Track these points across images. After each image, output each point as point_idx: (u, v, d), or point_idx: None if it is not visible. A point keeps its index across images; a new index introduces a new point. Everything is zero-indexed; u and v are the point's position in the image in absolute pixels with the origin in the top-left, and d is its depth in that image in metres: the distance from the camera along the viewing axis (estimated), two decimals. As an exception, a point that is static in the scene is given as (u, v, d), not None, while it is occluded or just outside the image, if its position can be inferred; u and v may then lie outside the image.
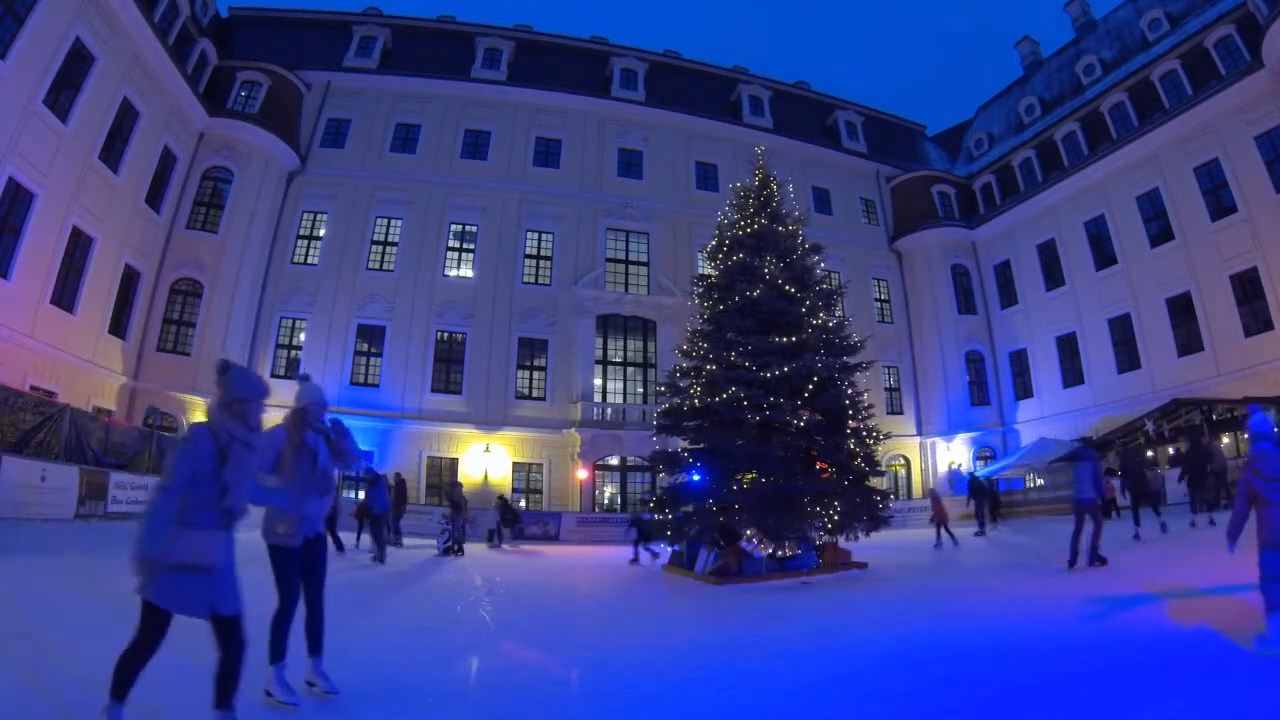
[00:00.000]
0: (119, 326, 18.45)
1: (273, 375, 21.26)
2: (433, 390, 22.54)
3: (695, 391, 11.35)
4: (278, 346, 22.15)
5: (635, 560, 12.90)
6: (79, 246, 16.71)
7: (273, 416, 3.65)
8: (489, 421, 22.45)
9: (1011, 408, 26.33)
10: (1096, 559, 8.21)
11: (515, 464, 22.60)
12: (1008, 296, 27.21)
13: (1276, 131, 18.69)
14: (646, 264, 25.45)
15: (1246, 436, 4.71)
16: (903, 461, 26.88)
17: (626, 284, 25.08)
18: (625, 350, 24.58)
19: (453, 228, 24.19)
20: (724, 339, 11.18)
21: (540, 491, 22.71)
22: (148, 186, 19.04)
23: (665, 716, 3.65)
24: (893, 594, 8.21)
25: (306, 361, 21.69)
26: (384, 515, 12.09)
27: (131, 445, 14.74)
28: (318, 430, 3.71)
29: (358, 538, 13.58)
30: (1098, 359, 23.41)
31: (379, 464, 19.77)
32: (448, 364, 22.94)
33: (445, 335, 23.15)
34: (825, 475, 10.71)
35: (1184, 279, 20.84)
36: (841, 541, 10.98)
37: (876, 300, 28.29)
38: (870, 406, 11.74)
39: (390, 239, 23.67)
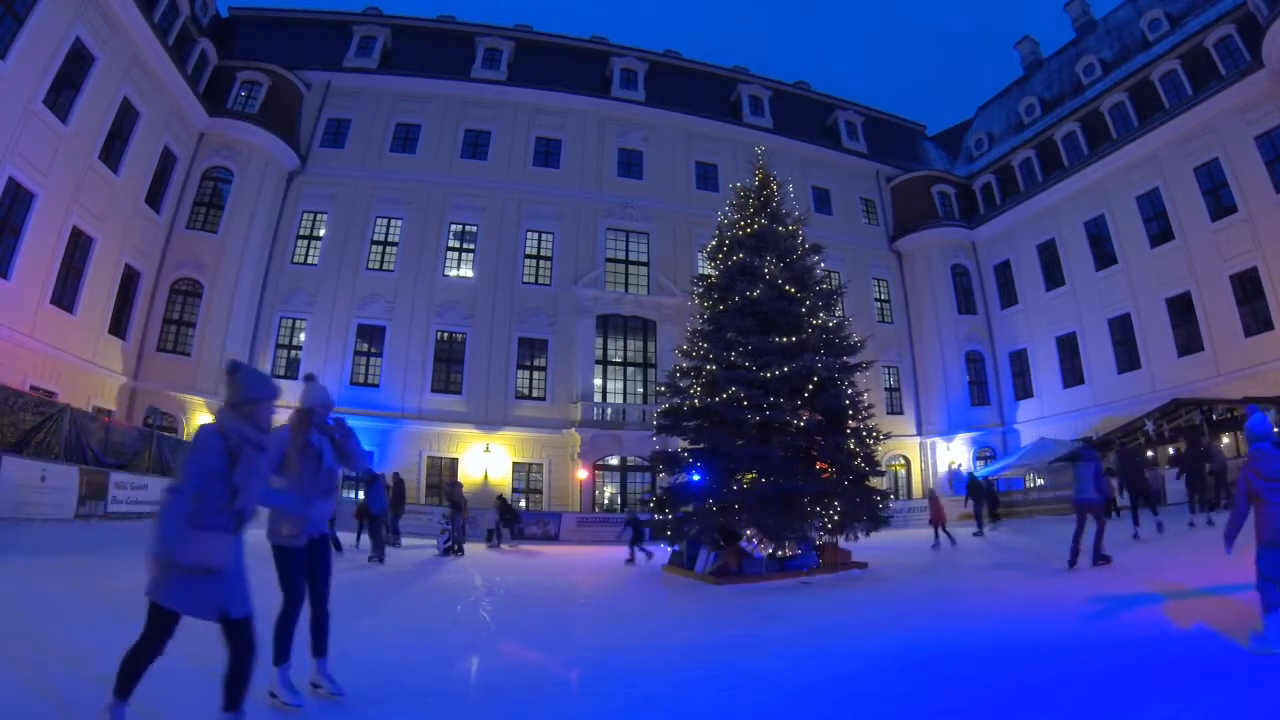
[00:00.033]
0: (119, 326, 18.45)
1: (273, 375, 21.27)
2: (433, 390, 22.55)
3: (695, 391, 11.35)
4: (278, 346, 22.15)
5: (631, 560, 12.91)
6: (79, 246, 16.71)
7: (275, 417, 3.63)
8: (489, 421, 22.46)
9: (1011, 408, 26.33)
10: (1101, 558, 8.20)
11: (515, 464, 22.60)
12: (1008, 296, 27.21)
13: (1276, 131, 18.69)
14: (646, 264, 25.45)
15: (1245, 436, 4.71)
16: (903, 461, 26.88)
17: (626, 284, 25.08)
18: (625, 350, 24.58)
19: (453, 228, 24.19)
20: (724, 339, 11.18)
21: (540, 491, 22.71)
22: (148, 186, 19.05)
23: (665, 716, 3.65)
24: (893, 594, 8.22)
25: (306, 361, 21.69)
26: (382, 515, 12.09)
27: (131, 445, 14.74)
28: (323, 431, 3.69)
29: (358, 538, 13.57)
30: (1098, 359, 23.41)
31: (379, 464, 19.77)
32: (448, 364, 22.94)
33: (445, 335, 23.15)
34: (825, 475, 10.71)
35: (1184, 279, 20.84)
36: (841, 541, 10.98)
37: (876, 300, 28.29)
38: (870, 406, 11.74)
39: (390, 239, 23.68)
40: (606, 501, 23.33)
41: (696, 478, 10.91)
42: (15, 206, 14.62)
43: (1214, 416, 18.08)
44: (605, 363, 24.21)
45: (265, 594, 3.34)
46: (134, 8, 17.20)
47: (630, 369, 24.43)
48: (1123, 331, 22.76)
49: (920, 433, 27.08)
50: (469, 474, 21.39)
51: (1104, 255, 23.63)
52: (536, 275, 24.35)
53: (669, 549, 11.60)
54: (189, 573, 2.63)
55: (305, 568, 3.57)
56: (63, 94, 15.53)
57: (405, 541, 15.03)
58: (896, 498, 22.59)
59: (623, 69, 27.43)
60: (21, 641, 4.26)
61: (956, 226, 28.41)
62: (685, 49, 33.20)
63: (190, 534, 2.64)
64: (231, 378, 2.98)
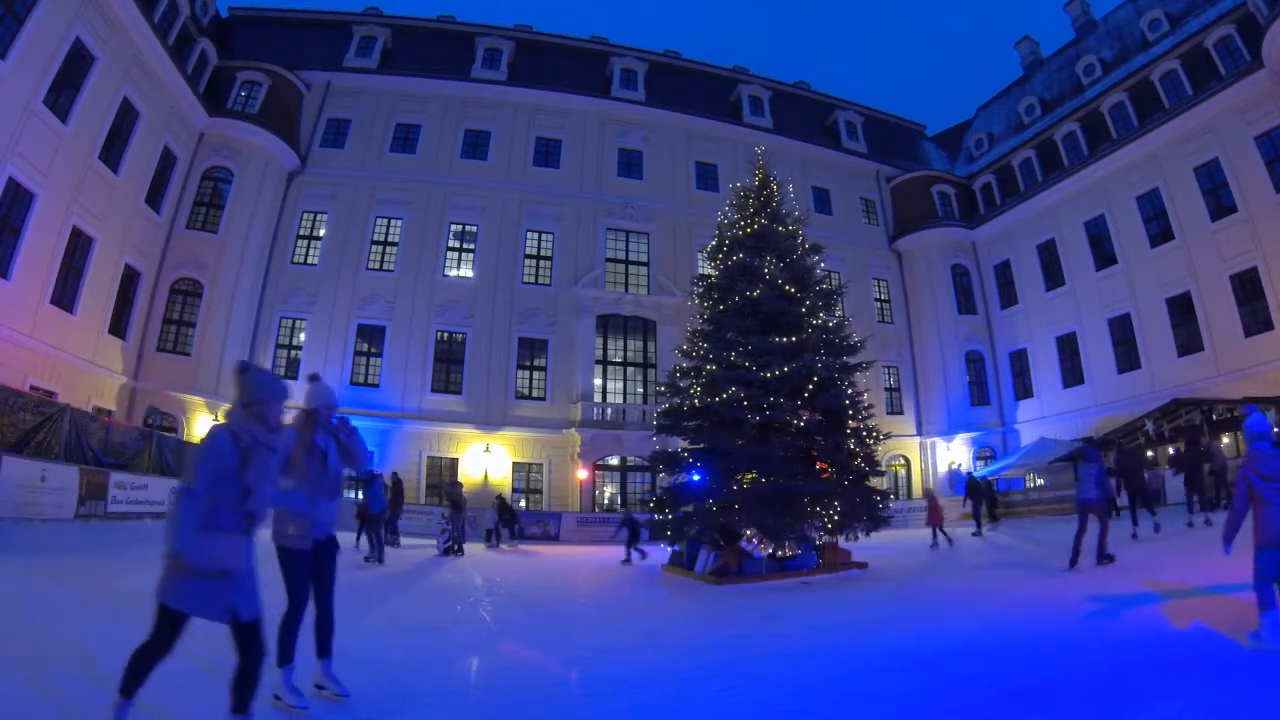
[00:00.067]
0: (119, 326, 18.45)
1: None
2: (433, 390, 22.55)
3: (695, 391, 11.35)
4: (278, 346, 22.15)
5: (627, 561, 12.91)
6: (79, 246, 16.71)
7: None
8: (489, 421, 22.46)
9: (1011, 408, 26.33)
10: (1105, 557, 8.20)
11: (515, 464, 22.60)
12: (1008, 296, 27.21)
13: (1276, 131, 18.69)
14: (646, 264, 25.45)
15: (1244, 437, 4.74)
16: (903, 461, 26.88)
17: (626, 284, 25.08)
18: (625, 350, 24.58)
19: (453, 228, 24.19)
20: (724, 339, 11.19)
21: (540, 491, 22.71)
22: (148, 186, 19.04)
23: (666, 716, 3.65)
24: (893, 594, 8.22)
25: (306, 361, 21.70)
26: (380, 515, 12.07)
27: (131, 445, 14.73)
28: (328, 431, 3.67)
29: (357, 539, 13.57)
30: (1098, 359, 23.41)
31: (379, 464, 19.78)
32: (448, 364, 22.94)
33: (445, 335, 23.15)
34: (825, 475, 10.72)
35: (1184, 279, 20.84)
36: (841, 541, 10.99)
37: (876, 300, 28.29)
38: (870, 406, 11.75)
39: (390, 239, 23.67)
40: (606, 501, 23.33)
41: (696, 478, 10.91)
42: (15, 206, 14.62)
43: (1214, 416, 18.08)
44: (605, 363, 24.21)
45: (269, 595, 3.34)
46: (134, 8, 17.19)
47: (630, 369, 24.43)
48: (1123, 331, 22.76)
49: (920, 433, 27.08)
50: (469, 474, 21.39)
51: (1104, 255, 23.63)
52: (536, 275, 24.35)
53: (668, 549, 11.59)
54: (200, 574, 2.62)
55: (311, 570, 3.56)
56: (63, 94, 15.53)
57: (405, 541, 15.02)
58: (896, 498, 22.58)
59: (623, 69, 27.42)
60: (22, 641, 4.26)
61: (956, 226, 28.41)
62: (685, 49, 33.23)
63: (202, 536, 2.63)
64: (241, 378, 2.97)
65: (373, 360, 22.57)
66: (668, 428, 11.88)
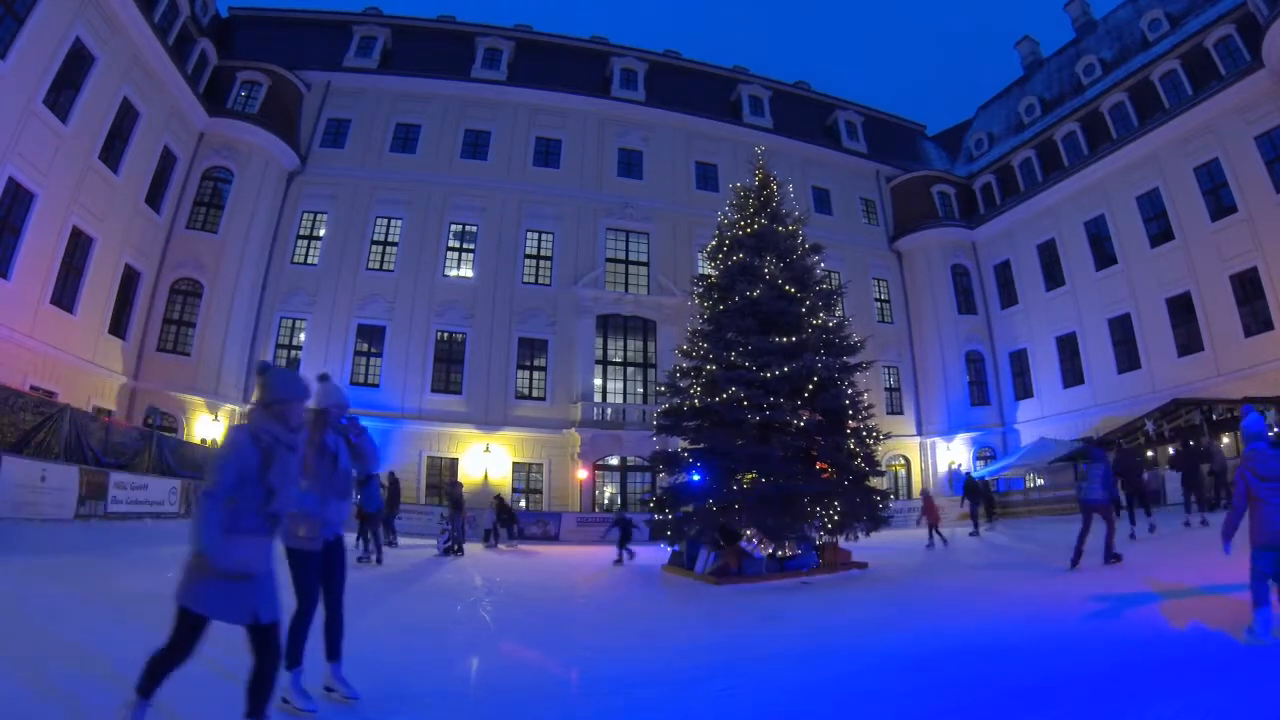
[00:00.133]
0: (119, 326, 18.45)
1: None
2: (433, 390, 22.55)
3: (695, 391, 11.35)
4: (278, 346, 22.15)
5: (619, 561, 12.91)
6: (79, 246, 16.72)
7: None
8: (489, 421, 22.46)
9: (1011, 408, 26.33)
10: (1112, 557, 8.20)
11: (515, 464, 22.60)
12: (1008, 296, 27.21)
13: (1276, 131, 18.69)
14: (646, 264, 25.45)
15: (1241, 437, 4.77)
16: (903, 461, 26.89)
17: (626, 284, 25.08)
18: (625, 350, 24.58)
19: (453, 228, 24.19)
20: (724, 339, 11.18)
21: (540, 491, 22.71)
22: (148, 186, 19.05)
23: (665, 716, 3.65)
24: (893, 594, 8.22)
25: (306, 361, 21.69)
26: (377, 514, 12.05)
27: (131, 445, 14.73)
28: (338, 431, 3.66)
29: (358, 539, 13.56)
30: (1098, 359, 23.42)
31: (379, 464, 19.75)
32: (448, 364, 22.95)
33: (445, 335, 23.15)
34: (825, 475, 10.71)
35: (1184, 279, 20.84)
36: (841, 541, 10.98)
37: (876, 300, 28.29)
38: (870, 406, 11.74)
39: (390, 239, 23.68)
40: (606, 501, 23.33)
41: (696, 478, 10.91)
42: (15, 206, 14.62)
43: (1214, 416, 18.08)
44: (605, 363, 24.21)
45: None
46: (134, 8, 17.20)
47: (630, 369, 24.44)
48: (1123, 331, 22.76)
49: (920, 433, 27.08)
50: (469, 474, 21.39)
51: (1104, 255, 23.63)
52: (536, 275, 24.35)
53: (668, 549, 11.59)
54: (223, 576, 2.60)
55: (321, 571, 3.53)
56: (63, 94, 15.53)
57: (405, 541, 15.00)
58: (896, 498, 22.59)
59: (623, 69, 27.43)
60: (22, 641, 4.26)
61: (956, 226, 28.41)
62: (685, 49, 33.23)
63: (226, 538, 2.61)
64: (262, 378, 2.95)
65: (373, 360, 22.57)
66: (668, 428, 11.87)
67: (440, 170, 24.48)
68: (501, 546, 16.88)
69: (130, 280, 18.82)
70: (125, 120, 17.89)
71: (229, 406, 20.49)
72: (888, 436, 12.87)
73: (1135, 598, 6.08)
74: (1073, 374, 24.30)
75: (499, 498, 18.77)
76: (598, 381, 23.89)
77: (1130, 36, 25.40)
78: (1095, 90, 25.32)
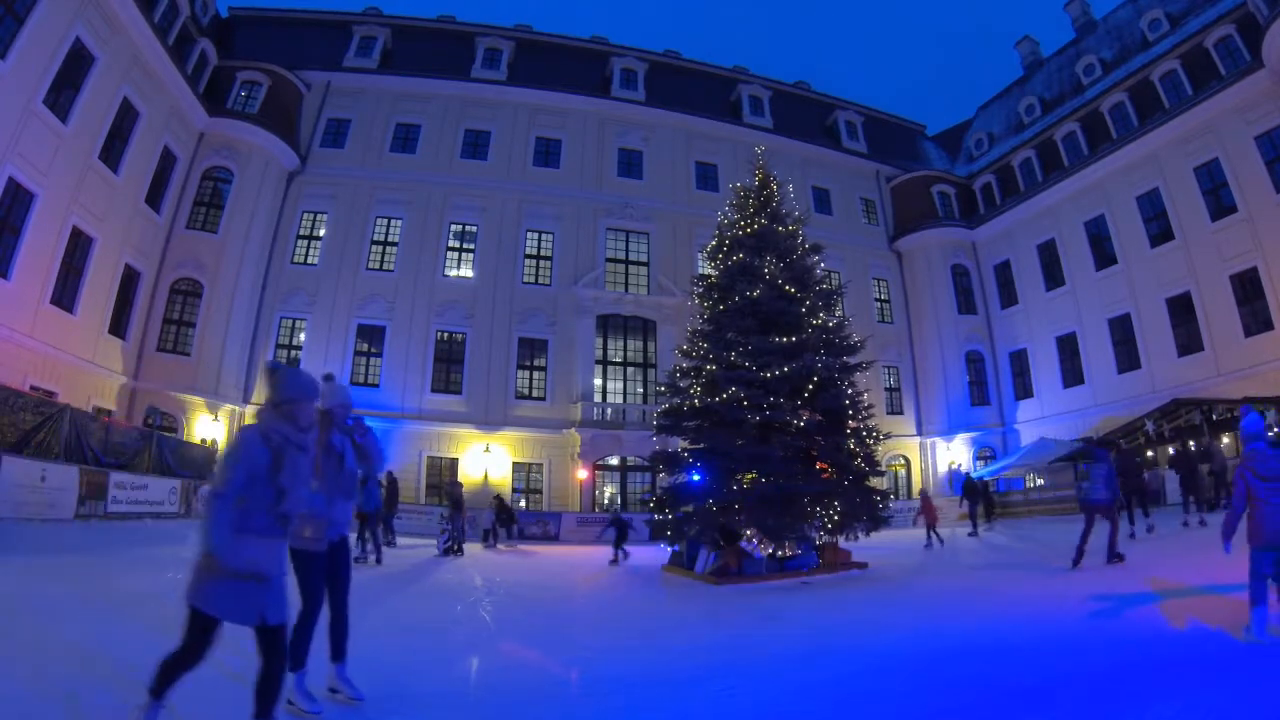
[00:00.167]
0: (119, 326, 18.45)
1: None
2: (433, 390, 22.55)
3: (695, 391, 11.34)
4: (278, 346, 22.15)
5: (614, 561, 12.91)
6: (79, 246, 16.71)
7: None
8: (489, 421, 22.46)
9: (1011, 408, 26.33)
10: (1115, 556, 8.22)
11: (515, 464, 22.61)
12: (1008, 296, 27.21)
13: (1276, 131, 18.69)
14: (646, 264, 25.45)
15: (1240, 437, 4.80)
16: (903, 461, 26.89)
17: (626, 284, 25.08)
18: (625, 350, 24.58)
19: (453, 228, 24.19)
20: (724, 339, 11.18)
21: (540, 491, 22.71)
22: (148, 186, 19.05)
23: (665, 716, 3.65)
24: (893, 594, 8.22)
25: (306, 361, 21.67)
26: (375, 513, 12.04)
27: (131, 445, 14.73)
28: (343, 431, 3.64)
29: (357, 539, 13.55)
30: (1098, 359, 23.42)
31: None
32: (448, 364, 22.95)
33: (445, 335, 23.15)
34: (825, 475, 10.71)
35: (1184, 279, 20.84)
36: (841, 541, 10.98)
37: (876, 300, 28.29)
38: (870, 406, 11.74)
39: (390, 239, 23.68)
40: (606, 501, 23.33)
41: (696, 478, 10.91)
42: (15, 206, 14.62)
43: (1214, 416, 18.08)
44: (605, 363, 24.21)
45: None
46: (134, 8, 17.20)
47: (630, 369, 24.44)
48: (1123, 331, 22.77)
49: (920, 433, 27.08)
50: (469, 474, 21.40)
51: (1104, 255, 23.63)
52: (536, 275, 24.35)
53: (668, 549, 11.59)
54: (233, 576, 2.58)
55: (326, 572, 3.52)
56: (63, 94, 15.53)
57: (404, 541, 15.00)
58: (896, 498, 22.58)
59: (623, 69, 27.43)
60: (22, 641, 4.26)
61: (956, 226, 28.42)
62: (685, 49, 33.24)
63: (237, 538, 2.59)
64: (271, 377, 2.94)
65: (373, 360, 22.57)
66: (668, 428, 11.87)
67: (440, 170, 24.48)
68: (501, 546, 16.87)
69: (130, 280, 18.82)
70: (125, 120, 17.89)
71: (229, 406, 20.50)
72: (888, 436, 12.86)
73: (1135, 597, 6.08)
74: (1073, 374, 24.30)
75: (498, 498, 18.78)
76: (598, 381, 23.89)
77: (1130, 36, 25.40)
78: (1095, 90, 25.32)
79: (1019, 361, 26.43)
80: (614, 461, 23.42)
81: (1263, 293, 18.81)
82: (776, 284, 11.19)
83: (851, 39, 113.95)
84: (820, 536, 10.73)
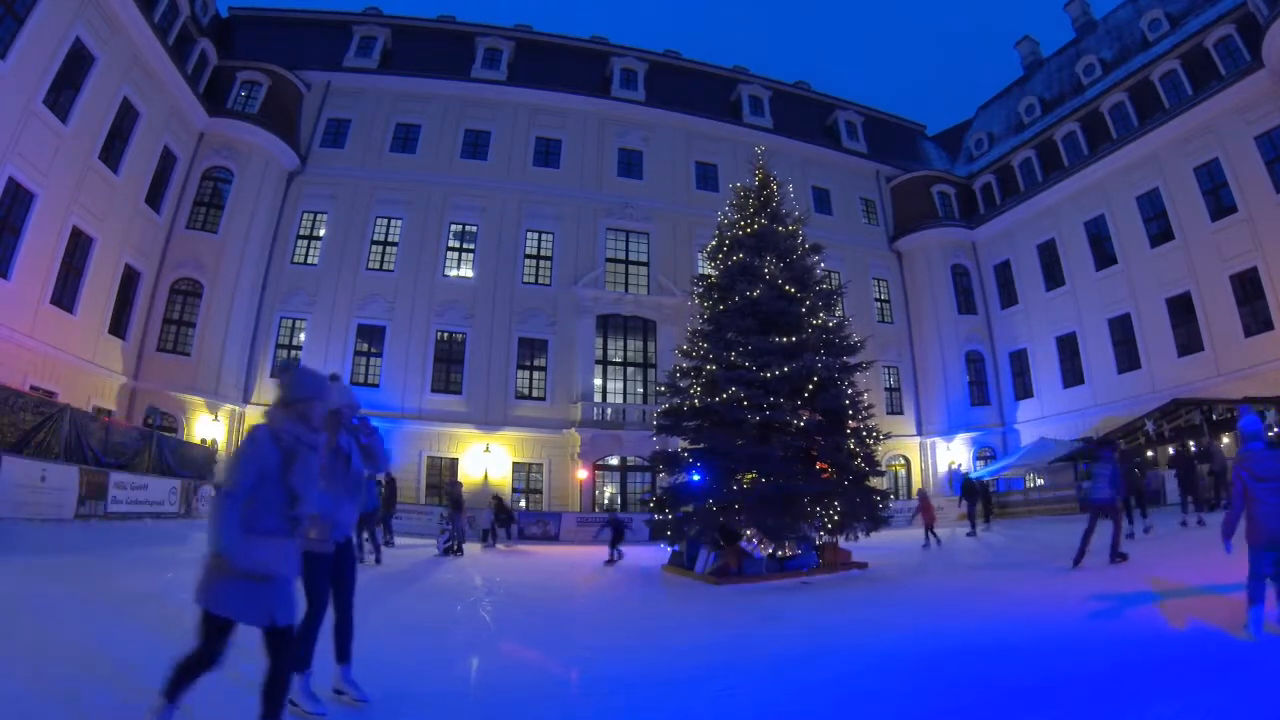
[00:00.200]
0: (119, 326, 18.45)
1: (272, 376, 21.29)
2: (433, 390, 22.55)
3: (695, 391, 11.35)
4: (278, 346, 22.14)
5: (610, 561, 12.92)
6: (79, 246, 16.71)
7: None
8: (489, 421, 22.46)
9: (1011, 408, 26.33)
10: (1118, 556, 8.22)
11: (515, 464, 22.60)
12: (1008, 296, 27.21)
13: (1276, 131, 18.69)
14: (646, 264, 25.45)
15: (1237, 437, 4.83)
16: (903, 461, 26.89)
17: (626, 284, 25.08)
18: (625, 350, 24.58)
19: (453, 228, 24.19)
20: (724, 339, 11.18)
21: (540, 491, 22.71)
22: (148, 186, 19.05)
23: (665, 716, 3.65)
24: (893, 594, 8.22)
25: (306, 361, 21.56)
26: (374, 513, 12.04)
27: (131, 445, 14.74)
28: (350, 432, 3.63)
29: (359, 539, 13.57)
30: (1098, 359, 23.42)
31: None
32: (448, 364, 22.94)
33: (445, 335, 23.15)
34: (825, 475, 10.71)
35: (1184, 279, 20.84)
36: (841, 541, 10.98)
37: (876, 300, 28.29)
38: (870, 406, 11.74)
39: (390, 239, 23.68)
40: (606, 501, 23.32)
41: (696, 478, 10.91)
42: (15, 206, 14.62)
43: (1214, 417, 18.08)
44: (605, 363, 24.21)
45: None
46: (134, 8, 17.19)
47: (630, 369, 24.43)
48: (1123, 331, 22.77)
49: (920, 433, 27.08)
50: (469, 474, 21.39)
51: (1104, 255, 23.63)
52: (536, 275, 24.35)
53: (668, 548, 11.59)
54: (242, 577, 2.55)
55: (331, 574, 3.51)
56: (63, 94, 15.53)
57: (404, 541, 15.00)
58: (896, 498, 22.57)
59: (623, 69, 27.43)
60: (22, 641, 4.26)
61: (956, 226, 28.42)
62: (685, 49, 33.24)
63: (247, 539, 2.57)
64: (283, 376, 2.92)
65: (373, 360, 22.57)
66: (668, 428, 11.87)
67: (440, 170, 24.48)
68: (500, 546, 16.87)
69: (130, 280, 18.82)
70: (125, 120, 17.89)
71: (229, 406, 20.50)
72: (888, 436, 12.86)
73: (1135, 597, 6.08)
74: (1073, 374, 24.30)
75: (497, 498, 18.78)
76: (598, 381, 23.89)
77: (1130, 36, 25.40)
78: (1095, 90, 25.32)
79: (1019, 361, 26.43)
80: (614, 461, 23.42)
81: (1263, 293, 18.81)
82: (776, 284, 11.19)
83: (851, 39, 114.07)
84: (820, 536, 10.73)
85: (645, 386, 24.04)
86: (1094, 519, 8.53)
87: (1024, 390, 26.05)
